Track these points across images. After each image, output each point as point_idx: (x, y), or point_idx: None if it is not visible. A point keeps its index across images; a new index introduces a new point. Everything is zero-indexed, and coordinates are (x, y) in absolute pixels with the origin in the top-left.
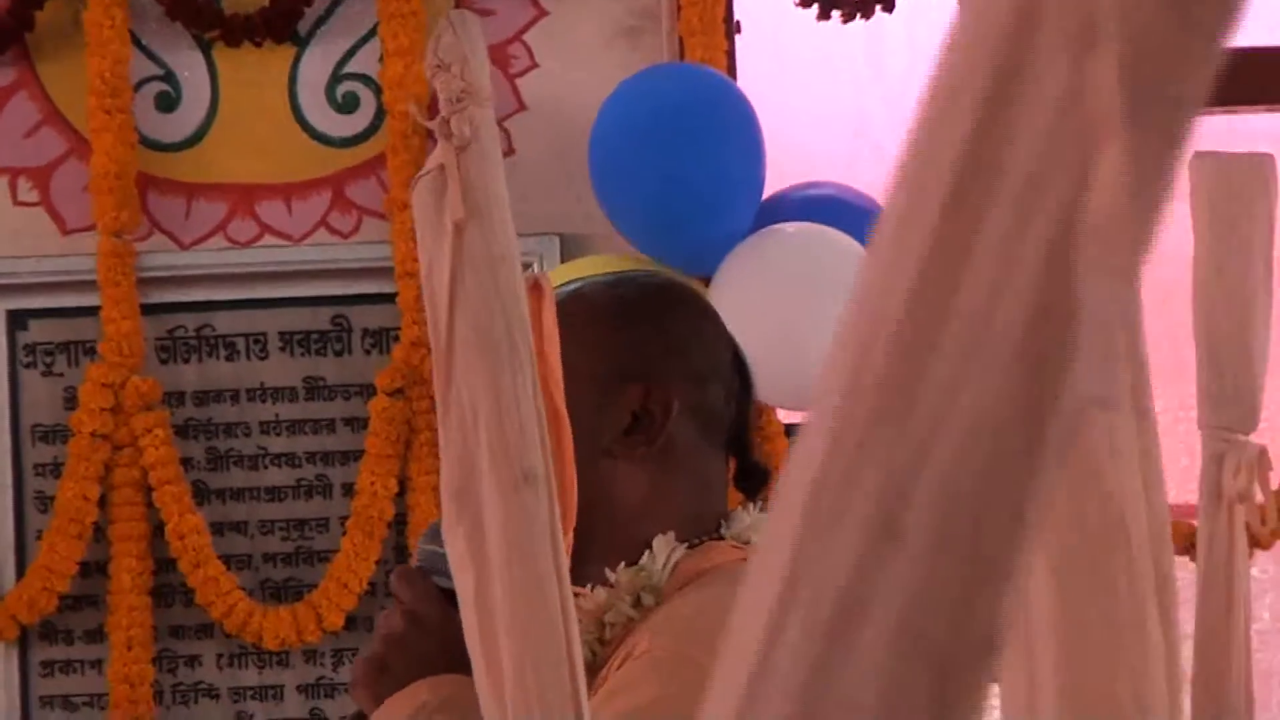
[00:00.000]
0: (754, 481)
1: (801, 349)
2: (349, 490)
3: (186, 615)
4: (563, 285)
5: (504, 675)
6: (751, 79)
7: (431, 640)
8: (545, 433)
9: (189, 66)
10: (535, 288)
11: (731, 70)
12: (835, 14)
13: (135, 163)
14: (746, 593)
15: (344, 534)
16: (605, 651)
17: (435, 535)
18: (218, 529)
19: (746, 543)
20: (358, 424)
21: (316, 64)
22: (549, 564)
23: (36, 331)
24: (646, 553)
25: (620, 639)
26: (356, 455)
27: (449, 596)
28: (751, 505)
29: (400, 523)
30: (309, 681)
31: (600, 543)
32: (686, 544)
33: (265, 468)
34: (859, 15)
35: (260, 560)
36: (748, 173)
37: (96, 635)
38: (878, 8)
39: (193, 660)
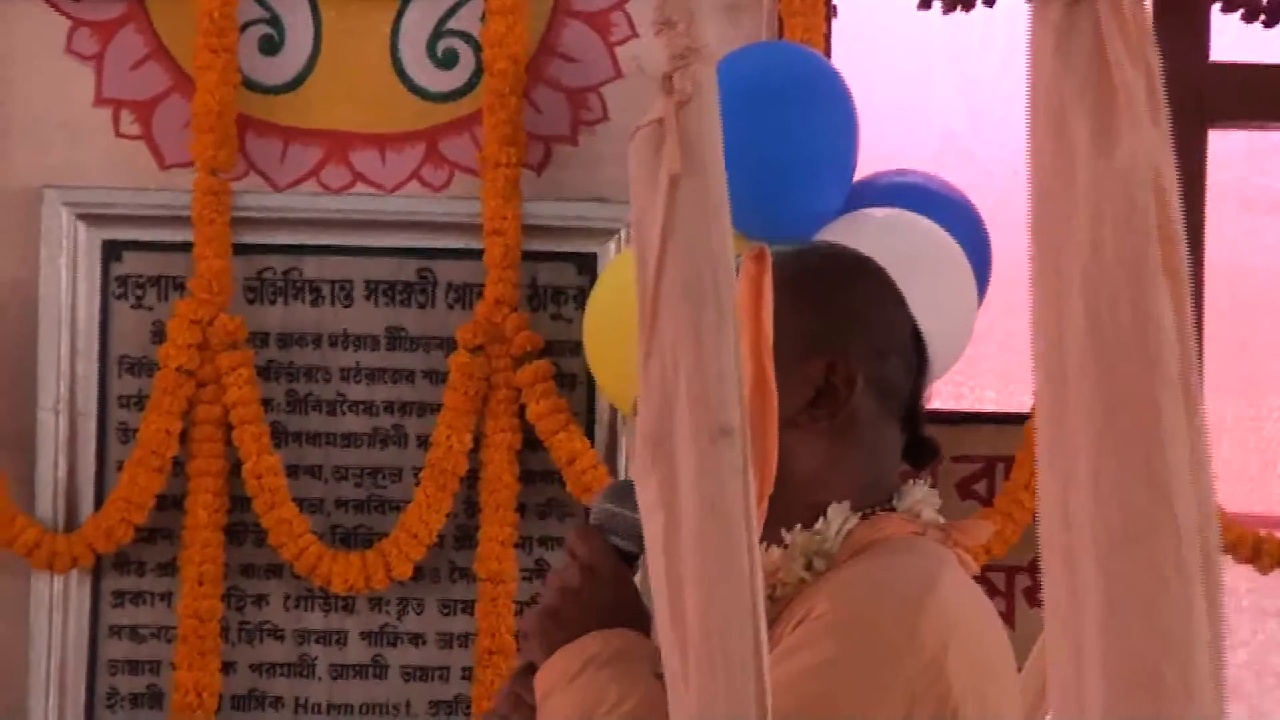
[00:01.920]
0: (923, 454)
1: None
2: (424, 442)
3: (257, 555)
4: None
5: (687, 622)
6: (842, 63)
7: (605, 595)
8: (743, 391)
9: (294, 12)
10: (760, 256)
11: (827, 53)
12: (936, 5)
13: (236, 103)
14: None
15: (417, 484)
16: (774, 609)
17: (612, 495)
18: (293, 471)
19: (917, 516)
20: (437, 377)
21: (419, 18)
22: (740, 518)
23: (130, 264)
24: (821, 518)
25: (789, 599)
26: (434, 408)
27: (622, 555)
28: (920, 479)
29: (472, 478)
30: (373, 628)
31: (778, 506)
32: (859, 514)
33: (343, 414)
34: (959, 7)
35: (332, 505)
36: (840, 153)
37: (168, 569)
38: (979, 1)
39: (260, 599)
